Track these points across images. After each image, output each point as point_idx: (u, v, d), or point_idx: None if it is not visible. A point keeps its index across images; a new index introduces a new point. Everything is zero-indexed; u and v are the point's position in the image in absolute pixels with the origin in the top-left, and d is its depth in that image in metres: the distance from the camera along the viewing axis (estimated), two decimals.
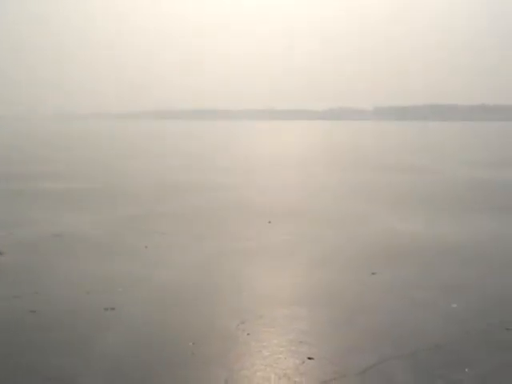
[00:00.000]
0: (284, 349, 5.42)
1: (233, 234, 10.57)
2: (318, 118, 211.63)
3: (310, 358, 5.19)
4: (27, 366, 5.05)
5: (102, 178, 20.22)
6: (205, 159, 28.84)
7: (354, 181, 19.56)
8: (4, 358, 5.20)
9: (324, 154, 33.35)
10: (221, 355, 5.27)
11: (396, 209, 13.55)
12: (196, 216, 12.58)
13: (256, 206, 13.88)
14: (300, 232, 10.77)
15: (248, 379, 4.81)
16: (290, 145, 46.50)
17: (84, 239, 10.15)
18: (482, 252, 9.30)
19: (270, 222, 11.57)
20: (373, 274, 7.94)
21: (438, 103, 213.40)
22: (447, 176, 21.20)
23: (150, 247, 9.48)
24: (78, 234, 10.52)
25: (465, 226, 11.41)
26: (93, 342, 5.55)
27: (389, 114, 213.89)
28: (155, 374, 4.92)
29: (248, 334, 5.75)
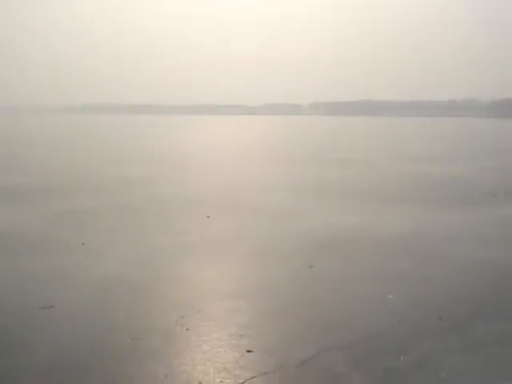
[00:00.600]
0: (224, 342, 5.43)
1: (172, 229, 10.49)
2: (255, 113, 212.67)
3: (249, 351, 5.22)
4: None
5: (35, 172, 19.68)
6: (142, 153, 28.43)
7: (292, 175, 19.73)
8: None
9: (260, 149, 33.47)
10: (160, 351, 5.23)
11: (336, 203, 13.76)
12: (135, 211, 12.40)
13: (196, 200, 13.82)
14: (239, 226, 10.79)
15: (188, 374, 4.79)
16: (228, 140, 46.47)
17: (19, 237, 9.86)
18: (416, 244, 9.57)
19: (208, 217, 11.55)
20: (311, 266, 8.06)
21: (370, 99, 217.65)
22: (385, 170, 21.66)
23: (88, 243, 9.30)
24: (13, 232, 10.22)
25: (401, 218, 11.71)
26: (34, 341, 5.42)
27: (323, 110, 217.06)
28: (94, 372, 4.83)
29: (187, 329, 5.73)
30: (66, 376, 4.76)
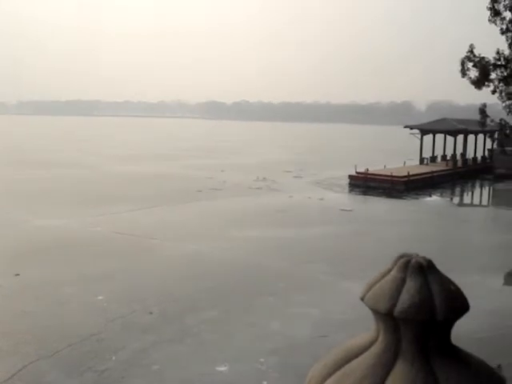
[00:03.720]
0: None
1: None
2: None
3: None
4: None
5: None
6: None
7: None
8: None
9: None
10: None
11: (37, 204, 13.21)
12: None
13: None
14: None
15: None
16: None
17: None
18: (125, 243, 9.68)
19: None
20: (16, 275, 7.59)
21: (81, 98, 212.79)
22: (96, 170, 21.35)
23: None
24: None
25: (111, 218, 11.74)
26: None
27: (31, 109, 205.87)
28: None
29: None
30: None
